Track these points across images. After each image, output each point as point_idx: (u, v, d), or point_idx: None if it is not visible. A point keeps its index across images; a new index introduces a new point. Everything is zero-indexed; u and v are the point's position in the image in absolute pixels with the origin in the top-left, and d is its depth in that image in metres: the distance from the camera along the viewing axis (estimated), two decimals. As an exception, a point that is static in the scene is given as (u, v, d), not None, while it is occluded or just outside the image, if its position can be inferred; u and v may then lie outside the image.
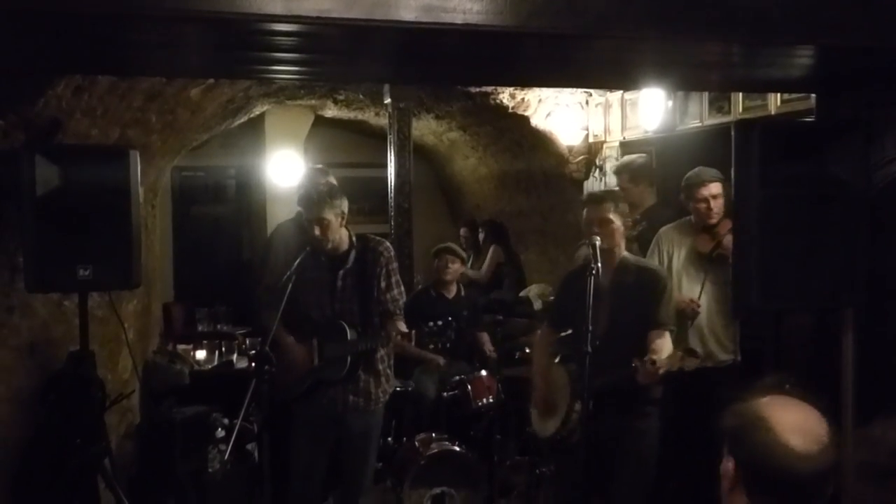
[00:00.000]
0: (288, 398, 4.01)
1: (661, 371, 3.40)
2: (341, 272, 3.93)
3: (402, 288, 4.06)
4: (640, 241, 4.63)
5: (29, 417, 3.92)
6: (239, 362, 5.71)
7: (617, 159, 6.05)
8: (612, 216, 3.70)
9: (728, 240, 4.09)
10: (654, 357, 3.42)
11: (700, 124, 5.49)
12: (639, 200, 5.08)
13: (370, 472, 4.11)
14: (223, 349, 5.83)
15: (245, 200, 8.94)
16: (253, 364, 4.92)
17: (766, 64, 3.29)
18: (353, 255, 3.94)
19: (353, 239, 3.97)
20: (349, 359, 3.91)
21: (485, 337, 5.73)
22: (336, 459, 4.10)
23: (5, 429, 3.79)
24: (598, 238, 3.67)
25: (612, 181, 6.34)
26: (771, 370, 3.46)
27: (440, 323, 3.97)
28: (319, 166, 5.14)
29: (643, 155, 5.51)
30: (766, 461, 1.68)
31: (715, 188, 4.32)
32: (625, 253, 3.82)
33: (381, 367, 4.06)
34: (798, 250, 3.11)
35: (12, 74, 3.30)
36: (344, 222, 3.89)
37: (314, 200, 3.80)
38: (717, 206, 4.32)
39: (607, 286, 3.69)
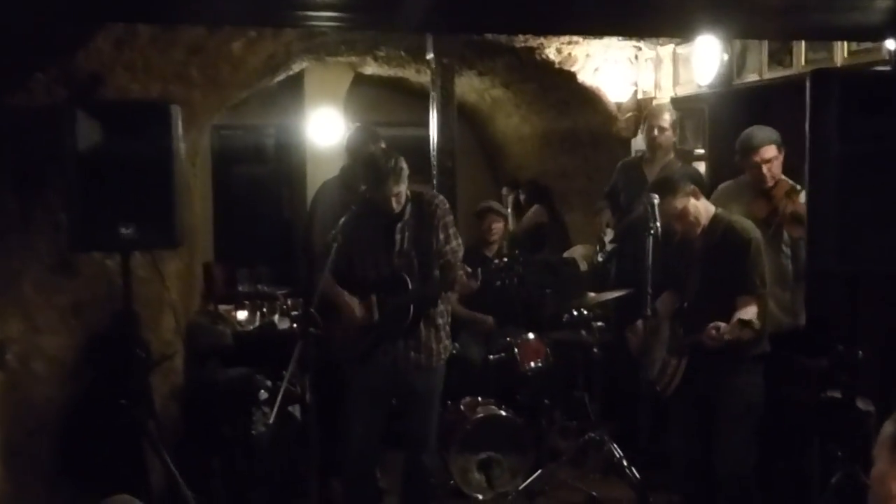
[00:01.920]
0: (346, 358, 3.99)
1: (725, 338, 3.46)
2: (398, 226, 3.91)
3: (461, 240, 4.04)
4: None
5: (73, 379, 3.89)
6: (281, 323, 5.66)
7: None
8: (683, 203, 3.71)
9: (784, 204, 4.08)
10: (720, 324, 3.47)
11: (759, 78, 5.31)
12: (668, 147, 5.19)
13: (434, 430, 4.09)
14: (265, 310, 5.80)
15: (285, 160, 8.87)
16: (295, 325, 5.19)
17: (845, 7, 3.07)
18: (408, 209, 3.92)
19: (409, 195, 3.95)
20: (411, 309, 3.87)
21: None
22: (396, 418, 4.09)
23: (50, 390, 3.79)
24: (656, 196, 3.64)
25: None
26: (840, 337, 3.40)
27: (506, 259, 3.87)
28: (360, 125, 5.08)
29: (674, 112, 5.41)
30: None
31: (768, 152, 4.19)
32: (718, 211, 3.81)
33: (440, 321, 4.02)
34: (879, 209, 2.93)
35: (51, 26, 3.23)
36: None
37: (385, 177, 3.77)
38: (773, 169, 4.20)
39: (699, 245, 3.73)
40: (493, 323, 5.41)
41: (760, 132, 4.25)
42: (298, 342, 3.52)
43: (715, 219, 3.77)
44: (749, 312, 3.56)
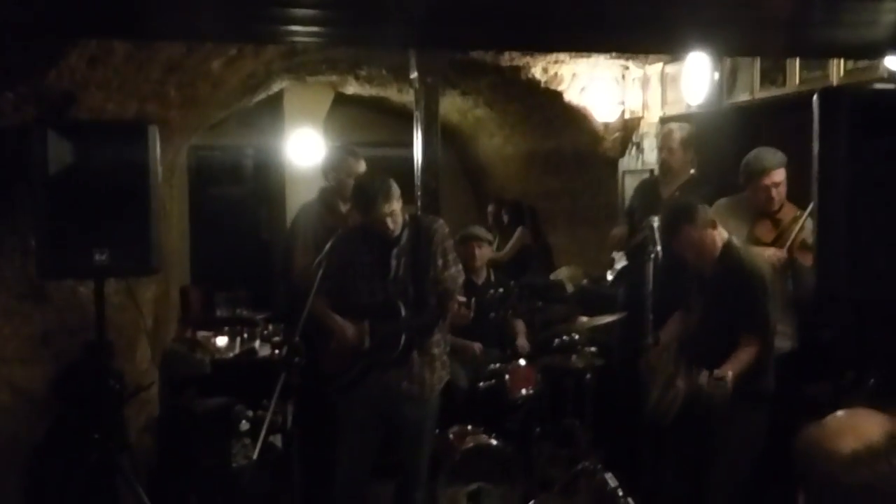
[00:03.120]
0: (334, 386, 3.92)
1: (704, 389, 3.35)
2: (395, 251, 3.84)
3: (461, 266, 3.97)
4: None
5: (43, 412, 3.76)
6: (261, 350, 5.57)
7: (656, 136, 5.79)
8: (700, 234, 3.57)
9: (790, 229, 4.01)
10: (705, 373, 3.35)
11: (750, 98, 5.22)
12: (679, 168, 4.98)
13: (425, 464, 4.02)
14: (244, 336, 5.67)
15: (263, 180, 8.85)
16: (277, 352, 5.13)
17: (850, 23, 2.98)
18: (405, 234, 3.85)
19: (406, 218, 3.89)
20: (403, 338, 3.80)
21: (520, 325, 5.51)
22: (386, 450, 4.03)
23: (18, 424, 3.65)
24: (656, 219, 3.59)
25: (650, 159, 6.24)
26: (840, 359, 3.46)
27: (501, 290, 3.71)
28: (340, 146, 5.05)
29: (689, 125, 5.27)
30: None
31: (778, 176, 4.15)
32: (731, 239, 3.68)
33: (436, 351, 3.95)
34: (890, 232, 2.81)
35: (22, 42, 3.09)
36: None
37: (374, 198, 3.72)
38: (781, 193, 4.16)
39: (708, 274, 3.63)
40: (481, 350, 5.26)
41: (770, 155, 4.20)
42: (282, 373, 3.44)
43: (727, 247, 3.66)
44: (746, 354, 3.46)
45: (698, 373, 3.39)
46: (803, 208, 3.97)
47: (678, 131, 5.08)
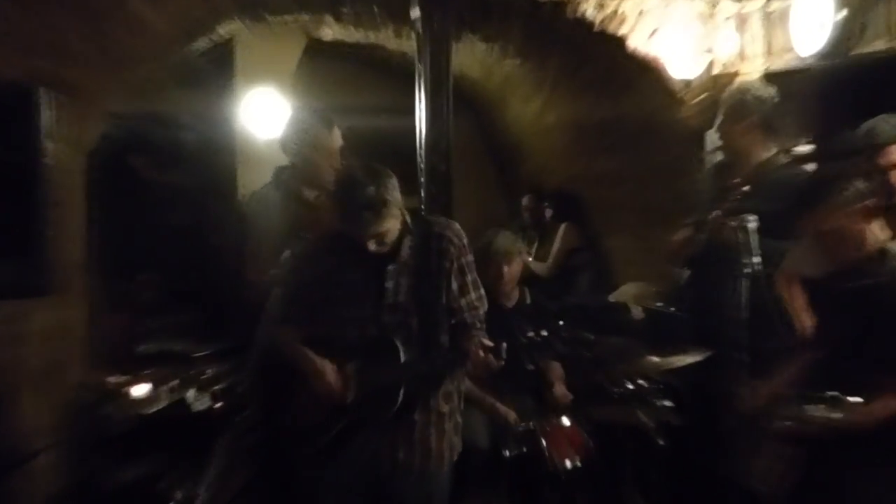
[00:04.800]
0: (306, 451, 3.95)
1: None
2: (392, 268, 3.88)
3: (483, 291, 4.04)
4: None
5: None
6: (198, 402, 5.47)
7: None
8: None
9: None
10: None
11: (890, 45, 5.18)
12: (742, 150, 5.18)
13: None
14: (175, 382, 5.64)
15: (208, 162, 8.86)
16: (220, 404, 5.13)
17: None
18: (406, 242, 3.90)
19: (408, 220, 3.91)
20: (402, 390, 3.82)
21: (556, 369, 5.58)
22: None
23: None
24: (752, 218, 3.71)
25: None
26: None
27: (544, 333, 3.88)
28: (309, 110, 5.15)
29: (767, 87, 5.40)
30: None
31: None
32: (890, 244, 3.70)
33: (446, 408, 4.00)
34: None
35: None
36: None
37: (358, 210, 3.72)
38: None
39: (851, 283, 3.65)
40: (517, 419, 5.26)
41: (888, 125, 4.32)
42: (225, 433, 3.67)
43: (883, 252, 3.69)
44: (885, 408, 3.48)
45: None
46: None
47: (732, 95, 5.29)
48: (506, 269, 5.53)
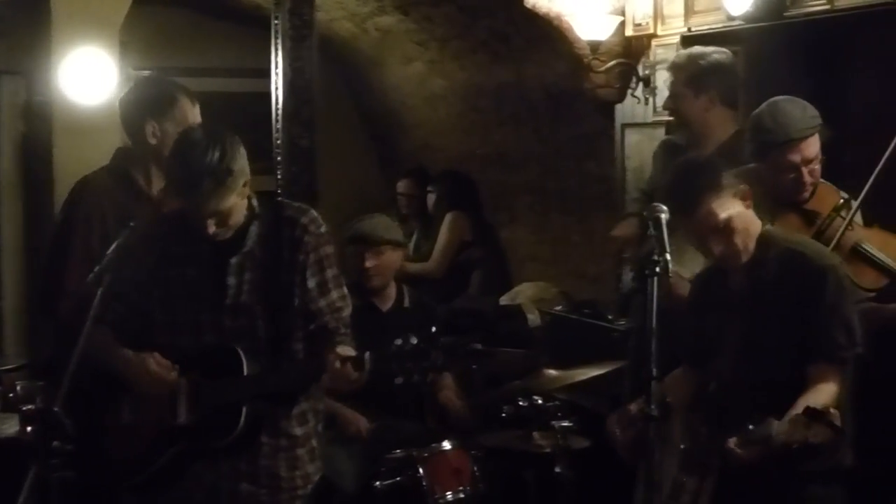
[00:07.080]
0: (129, 484, 3.86)
1: (779, 442, 3.28)
2: (234, 260, 3.77)
3: (346, 290, 3.95)
4: None
5: None
6: (4, 426, 5.24)
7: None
8: (724, 214, 3.65)
9: (829, 225, 4.22)
10: (772, 422, 3.29)
11: (826, 6, 5.28)
12: (701, 123, 5.14)
13: None
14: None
15: (16, 135, 8.45)
16: (29, 430, 4.96)
17: None
18: (253, 231, 3.79)
19: (255, 204, 3.81)
20: (245, 409, 3.68)
21: (446, 380, 5.52)
22: None
23: None
24: (663, 208, 3.58)
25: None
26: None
27: (413, 341, 3.65)
28: (151, 75, 5.21)
29: (725, 51, 5.34)
30: None
31: (811, 147, 4.27)
32: (768, 228, 3.78)
33: (299, 431, 3.87)
34: None
35: None
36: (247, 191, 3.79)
37: (197, 181, 3.58)
38: (815, 173, 4.32)
39: (739, 284, 3.77)
40: (367, 428, 5.22)
41: (798, 111, 4.29)
42: (33, 465, 3.36)
43: (764, 240, 3.74)
44: (824, 393, 3.50)
45: (752, 430, 3.35)
46: (850, 190, 4.18)
47: (689, 62, 5.20)
48: (369, 258, 5.40)
